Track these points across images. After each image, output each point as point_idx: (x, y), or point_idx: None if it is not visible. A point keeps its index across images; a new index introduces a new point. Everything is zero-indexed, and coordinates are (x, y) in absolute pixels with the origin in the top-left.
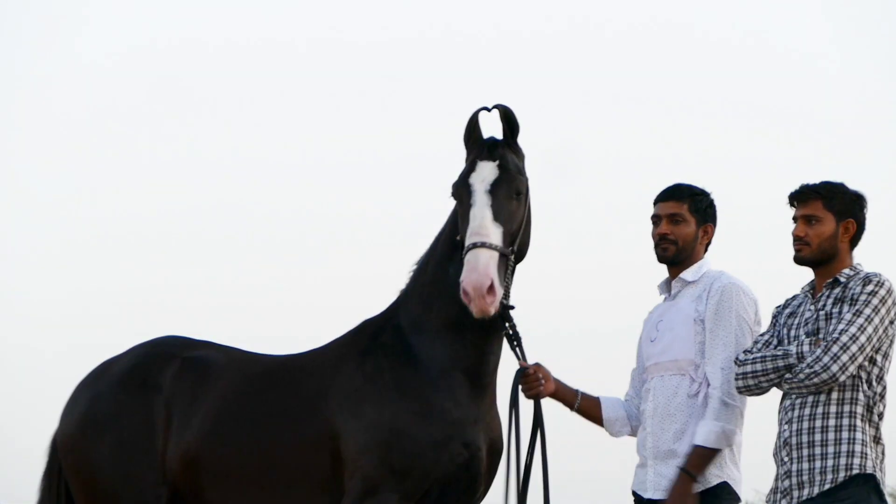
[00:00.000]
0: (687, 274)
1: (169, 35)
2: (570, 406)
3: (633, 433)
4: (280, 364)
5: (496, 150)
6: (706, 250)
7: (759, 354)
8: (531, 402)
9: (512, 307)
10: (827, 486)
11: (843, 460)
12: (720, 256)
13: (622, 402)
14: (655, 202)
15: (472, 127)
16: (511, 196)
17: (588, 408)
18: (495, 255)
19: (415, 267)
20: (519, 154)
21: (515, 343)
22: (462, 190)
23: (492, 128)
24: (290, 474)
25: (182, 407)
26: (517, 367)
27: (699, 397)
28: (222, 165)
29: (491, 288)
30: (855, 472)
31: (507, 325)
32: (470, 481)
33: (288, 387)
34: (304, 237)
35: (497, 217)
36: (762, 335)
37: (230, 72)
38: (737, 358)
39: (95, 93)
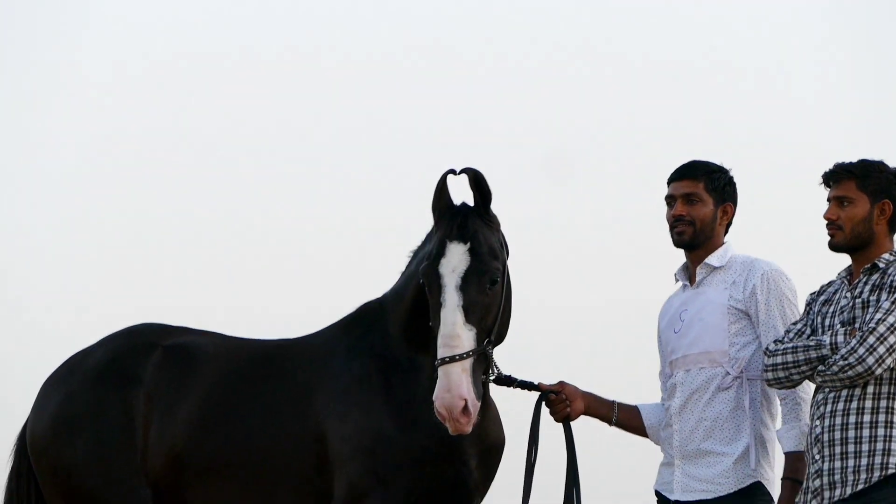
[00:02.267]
0: (713, 259)
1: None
2: (608, 421)
3: None
4: (270, 352)
5: (467, 228)
6: (726, 232)
7: (790, 345)
8: (561, 425)
9: (506, 377)
10: (860, 487)
11: (878, 459)
12: (751, 241)
13: (661, 407)
14: (669, 182)
15: (441, 193)
16: (484, 289)
17: (627, 419)
18: (468, 365)
19: (408, 262)
20: (492, 225)
21: (527, 387)
22: (432, 280)
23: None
24: (275, 475)
25: (166, 399)
26: (538, 394)
27: (732, 391)
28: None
29: (465, 409)
30: (891, 471)
31: (515, 382)
32: (461, 497)
33: (277, 380)
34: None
35: (469, 317)
36: (794, 324)
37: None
38: (766, 348)
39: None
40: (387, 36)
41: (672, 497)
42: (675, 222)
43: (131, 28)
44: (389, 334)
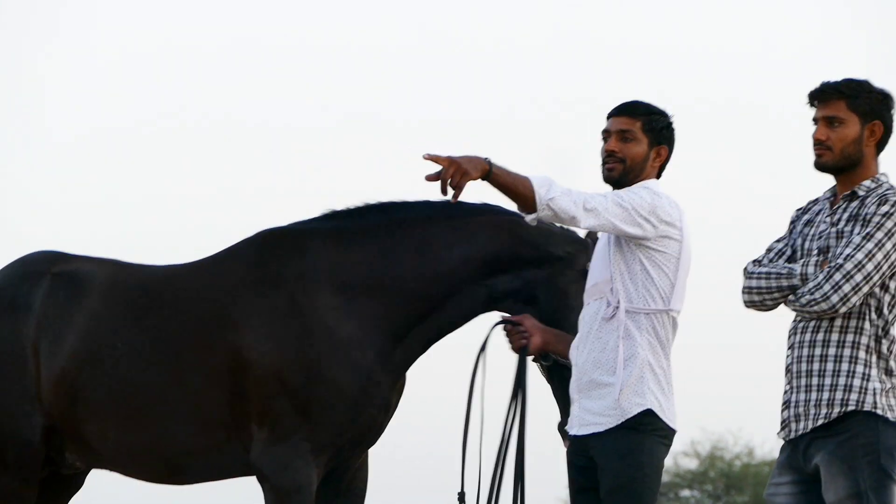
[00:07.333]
0: None
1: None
2: (566, 356)
3: None
4: (163, 280)
5: None
6: (659, 175)
7: (765, 270)
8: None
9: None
10: (820, 422)
11: (839, 394)
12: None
13: None
14: (608, 116)
15: None
16: None
17: None
18: None
19: (365, 209)
20: None
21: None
22: None
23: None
24: (177, 410)
25: (54, 328)
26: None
27: (615, 320)
28: None
29: None
30: (850, 408)
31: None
32: (374, 437)
33: (174, 310)
34: None
35: None
36: (777, 241)
37: None
38: (745, 268)
39: None
40: (390, 29)
41: (571, 432)
42: (606, 157)
43: None
44: (321, 268)
